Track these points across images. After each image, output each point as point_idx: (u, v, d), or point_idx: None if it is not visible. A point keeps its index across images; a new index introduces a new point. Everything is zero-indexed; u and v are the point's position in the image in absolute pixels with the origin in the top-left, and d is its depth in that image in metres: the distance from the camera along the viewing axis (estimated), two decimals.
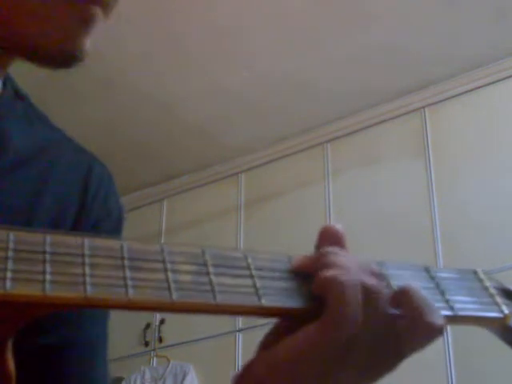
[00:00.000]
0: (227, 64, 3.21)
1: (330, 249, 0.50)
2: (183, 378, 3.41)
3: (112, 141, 3.67)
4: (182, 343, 3.51)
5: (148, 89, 3.34)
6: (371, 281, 0.48)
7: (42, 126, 0.72)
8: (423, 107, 3.35)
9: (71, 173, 0.71)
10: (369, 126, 3.47)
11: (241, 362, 3.32)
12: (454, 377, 2.77)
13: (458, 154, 3.18)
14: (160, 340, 3.60)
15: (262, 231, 3.62)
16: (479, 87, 3.23)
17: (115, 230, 0.74)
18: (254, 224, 3.67)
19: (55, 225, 0.66)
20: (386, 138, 3.41)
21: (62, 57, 0.60)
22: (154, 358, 3.61)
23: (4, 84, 0.68)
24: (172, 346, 3.55)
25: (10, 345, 0.44)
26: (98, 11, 0.59)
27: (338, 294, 0.46)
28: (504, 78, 3.17)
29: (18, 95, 0.70)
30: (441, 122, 3.29)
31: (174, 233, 3.93)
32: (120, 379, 3.51)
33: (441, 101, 3.31)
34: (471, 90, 3.25)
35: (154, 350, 3.61)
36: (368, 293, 0.47)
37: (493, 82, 3.20)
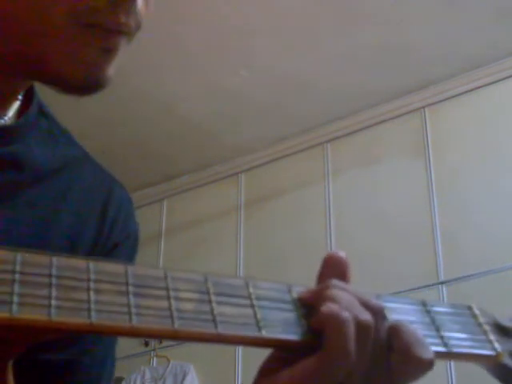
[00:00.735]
0: (227, 64, 3.21)
1: (332, 282, 0.51)
2: (183, 378, 3.41)
3: (112, 140, 3.67)
4: (182, 343, 3.51)
5: (148, 88, 3.34)
6: (365, 316, 0.49)
7: (65, 144, 0.72)
8: (423, 107, 3.35)
9: (91, 193, 0.71)
10: (369, 125, 3.47)
11: (241, 362, 3.32)
12: (453, 377, 2.77)
13: (458, 154, 3.18)
14: (160, 340, 3.60)
15: (261, 231, 3.62)
16: (479, 87, 3.23)
17: (132, 250, 0.75)
18: (254, 224, 3.67)
19: (72, 243, 0.67)
20: (386, 138, 3.41)
21: (87, 86, 0.60)
22: (154, 358, 3.61)
23: (25, 96, 0.68)
24: (172, 345, 3.54)
25: (10, 366, 0.45)
26: (121, 40, 0.60)
27: (334, 330, 0.47)
28: (504, 78, 3.17)
29: (43, 112, 0.71)
30: (441, 122, 3.29)
31: (173, 233, 3.93)
32: (120, 379, 3.51)
33: (441, 101, 3.31)
34: (471, 90, 3.25)
35: (153, 349, 3.61)
36: (361, 328, 0.48)
37: (493, 82, 3.20)
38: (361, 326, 0.48)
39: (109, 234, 0.71)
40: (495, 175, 3.04)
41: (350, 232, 3.30)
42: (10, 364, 0.45)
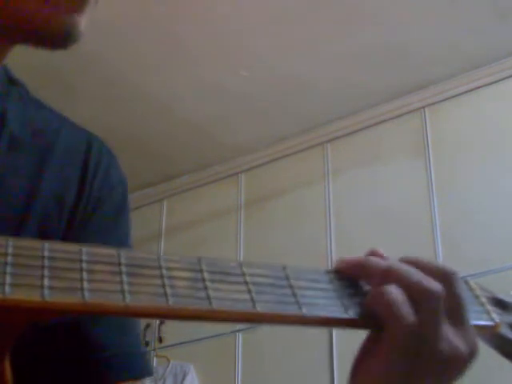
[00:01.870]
0: (227, 64, 3.21)
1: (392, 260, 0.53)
2: (183, 378, 3.41)
3: (112, 141, 3.66)
4: (182, 343, 3.51)
5: (148, 88, 3.34)
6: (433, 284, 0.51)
7: (38, 110, 0.72)
8: (423, 107, 3.35)
9: (70, 152, 0.71)
10: (369, 125, 3.47)
11: (241, 362, 3.32)
12: None
13: (458, 154, 3.18)
14: (160, 340, 3.60)
15: (262, 231, 3.62)
16: (479, 87, 3.23)
17: (120, 205, 0.74)
18: (254, 224, 3.67)
19: (58, 204, 0.67)
20: (386, 138, 3.41)
21: (57, 34, 0.60)
22: (154, 358, 3.61)
23: None
24: (172, 345, 3.55)
25: (8, 354, 0.44)
26: None
27: (388, 309, 0.49)
28: (504, 78, 3.17)
29: (13, 82, 0.71)
30: (441, 122, 3.29)
31: (173, 233, 3.93)
32: None
33: (441, 101, 3.31)
34: (471, 90, 3.25)
35: (154, 349, 3.61)
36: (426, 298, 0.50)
37: (493, 82, 3.20)
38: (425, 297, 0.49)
39: (91, 189, 0.70)
40: (495, 175, 3.04)
41: (350, 232, 3.30)
42: (9, 352, 0.44)
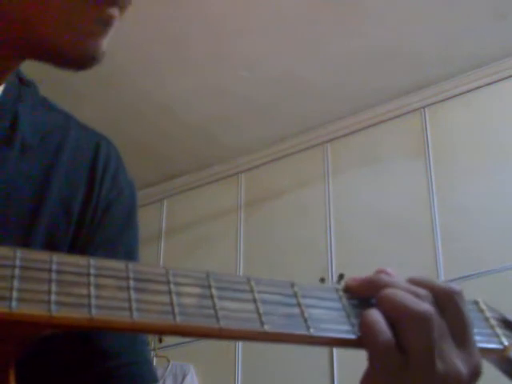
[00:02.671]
0: (227, 64, 3.21)
1: (383, 276, 0.53)
2: (183, 378, 3.41)
3: (112, 140, 3.67)
4: (182, 343, 3.51)
5: (148, 89, 3.34)
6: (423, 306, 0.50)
7: (47, 111, 0.72)
8: (423, 107, 3.35)
9: (78, 154, 0.71)
10: (369, 125, 3.47)
11: (241, 362, 3.32)
12: None
13: (458, 154, 3.18)
14: (160, 340, 3.60)
15: (261, 231, 3.62)
16: (479, 87, 3.23)
17: (129, 208, 0.74)
18: (254, 224, 3.67)
19: (65, 208, 0.67)
20: (386, 138, 3.41)
21: (81, 58, 0.60)
22: (154, 358, 3.61)
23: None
24: (172, 346, 3.55)
25: (13, 367, 0.44)
26: (115, 12, 0.59)
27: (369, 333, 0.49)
28: (504, 78, 3.18)
29: (24, 83, 0.71)
30: (441, 122, 3.30)
31: (173, 233, 3.93)
32: None
33: (441, 101, 3.31)
34: (471, 90, 3.25)
35: (153, 349, 3.61)
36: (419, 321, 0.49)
37: (493, 82, 3.20)
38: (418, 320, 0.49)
39: (99, 193, 0.70)
40: (495, 175, 3.04)
41: (350, 232, 3.30)
42: (13, 364, 0.44)
